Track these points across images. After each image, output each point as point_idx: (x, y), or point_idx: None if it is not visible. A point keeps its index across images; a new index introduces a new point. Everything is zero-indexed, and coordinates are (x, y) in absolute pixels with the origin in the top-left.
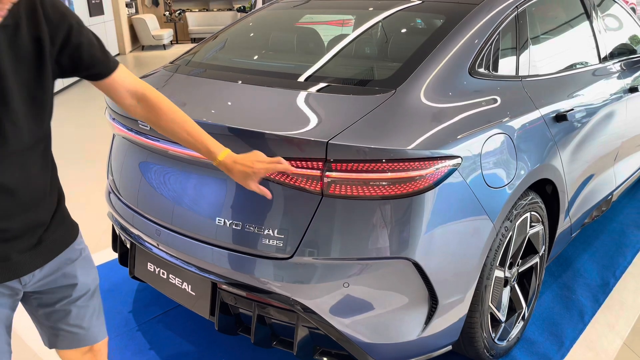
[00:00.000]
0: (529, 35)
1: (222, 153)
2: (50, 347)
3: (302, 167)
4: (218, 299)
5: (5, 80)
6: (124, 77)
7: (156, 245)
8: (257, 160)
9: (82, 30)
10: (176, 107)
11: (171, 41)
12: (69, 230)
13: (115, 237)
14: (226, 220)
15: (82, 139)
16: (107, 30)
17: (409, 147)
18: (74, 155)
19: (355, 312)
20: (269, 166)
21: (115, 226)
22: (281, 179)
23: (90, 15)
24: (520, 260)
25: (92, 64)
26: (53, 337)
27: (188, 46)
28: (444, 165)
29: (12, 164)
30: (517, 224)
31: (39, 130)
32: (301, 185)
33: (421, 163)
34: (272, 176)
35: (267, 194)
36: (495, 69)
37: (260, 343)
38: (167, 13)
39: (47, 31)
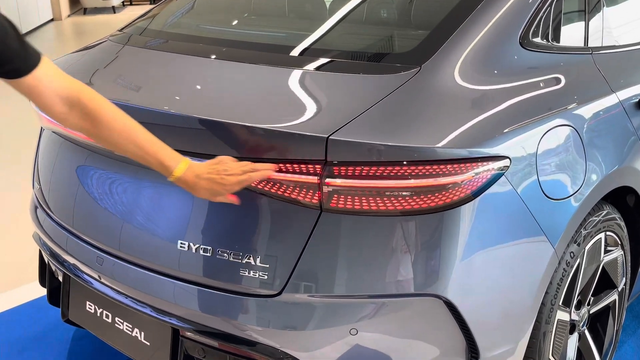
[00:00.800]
0: None
1: (180, 166)
2: None
3: (294, 172)
4: (181, 350)
5: None
6: (50, 75)
7: (98, 278)
8: (225, 172)
9: None
10: (121, 113)
11: (123, 2)
12: None
13: (43, 266)
14: (192, 244)
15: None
16: None
17: (439, 145)
18: None
19: None
20: (243, 178)
21: (43, 252)
22: (266, 189)
23: None
24: (592, 298)
25: (7, 59)
26: None
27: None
28: (487, 169)
29: None
30: (587, 248)
31: None
32: (293, 196)
33: (455, 166)
34: (252, 184)
35: (235, 199)
36: (557, 38)
37: None
38: None
39: None
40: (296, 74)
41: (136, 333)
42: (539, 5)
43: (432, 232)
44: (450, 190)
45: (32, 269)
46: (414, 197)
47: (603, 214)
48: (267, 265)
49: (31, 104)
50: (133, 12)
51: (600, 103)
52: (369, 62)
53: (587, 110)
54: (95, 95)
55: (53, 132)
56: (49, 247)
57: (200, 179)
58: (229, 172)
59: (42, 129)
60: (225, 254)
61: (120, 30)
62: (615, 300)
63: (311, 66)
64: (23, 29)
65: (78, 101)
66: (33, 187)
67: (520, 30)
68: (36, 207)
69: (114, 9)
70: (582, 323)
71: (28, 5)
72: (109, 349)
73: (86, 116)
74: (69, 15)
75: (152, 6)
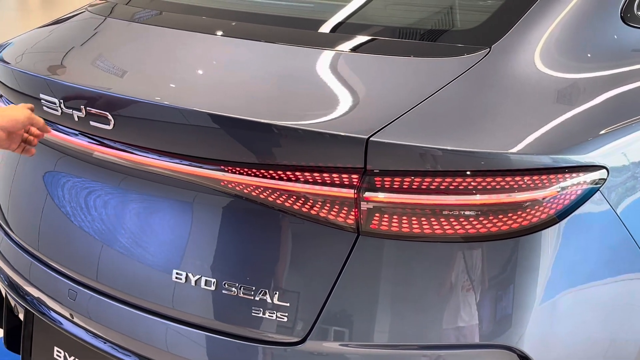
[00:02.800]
0: None
1: None
2: None
3: (324, 184)
4: None
5: None
6: None
7: (70, 316)
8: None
9: None
10: None
11: None
12: None
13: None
14: (190, 275)
15: None
16: None
17: (514, 150)
18: None
19: None
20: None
21: (0, 283)
22: (288, 205)
23: None
24: None
25: None
26: None
27: None
28: (577, 183)
29: None
30: None
31: None
32: (322, 215)
33: (535, 178)
34: (270, 199)
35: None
36: None
37: None
38: None
39: None
40: (327, 56)
41: None
42: None
43: (504, 264)
44: (528, 210)
45: None
46: (481, 218)
47: None
48: (288, 304)
49: None
50: None
51: None
52: (422, 41)
53: None
54: None
55: None
56: (7, 276)
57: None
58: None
59: None
60: (234, 289)
61: None
62: None
63: (346, 46)
64: None
65: None
66: None
67: (622, 1)
68: None
69: None
70: None
71: None
72: None
73: None
74: None
75: None
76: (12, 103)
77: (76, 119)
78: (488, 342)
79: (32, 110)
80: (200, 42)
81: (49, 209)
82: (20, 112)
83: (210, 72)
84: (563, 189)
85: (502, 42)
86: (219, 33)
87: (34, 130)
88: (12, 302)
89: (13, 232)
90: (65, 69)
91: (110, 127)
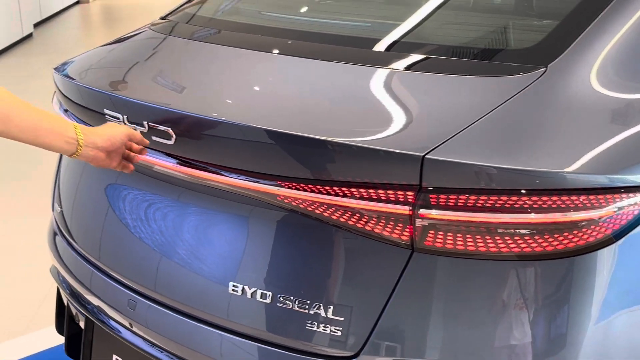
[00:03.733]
0: None
1: (77, 129)
2: None
3: (379, 200)
4: None
5: None
6: None
7: (129, 325)
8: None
9: None
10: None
11: None
12: None
13: (61, 308)
14: (247, 288)
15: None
16: None
17: (570, 169)
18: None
19: None
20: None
21: (62, 290)
22: (343, 221)
23: None
24: None
25: None
26: None
27: None
28: (633, 203)
29: None
30: None
31: None
32: (376, 231)
33: (592, 198)
34: (326, 214)
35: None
36: None
37: None
38: None
39: None
40: (382, 74)
41: None
42: None
43: (559, 283)
44: (584, 229)
45: (47, 310)
46: (536, 237)
47: None
48: (342, 319)
49: (54, 109)
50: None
51: None
52: (477, 60)
53: None
54: None
55: None
56: (69, 285)
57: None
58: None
59: None
60: (289, 302)
61: (164, 17)
62: None
63: (401, 64)
64: (42, 13)
65: None
66: (52, 210)
67: None
68: (55, 234)
69: None
70: None
71: None
72: None
73: None
74: None
75: None
76: (77, 117)
77: (139, 133)
78: None
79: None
80: (258, 60)
81: (110, 221)
82: (117, 130)
83: (267, 89)
84: (619, 208)
85: (558, 62)
86: (276, 51)
87: (134, 146)
88: (74, 310)
89: (75, 243)
90: (129, 85)
91: (171, 142)
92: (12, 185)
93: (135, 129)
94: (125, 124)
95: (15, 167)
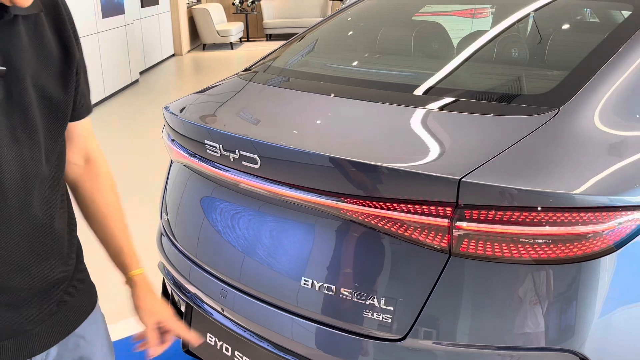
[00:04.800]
0: None
1: (140, 270)
2: None
3: (423, 214)
4: None
5: (27, 83)
6: (88, 129)
7: (220, 310)
8: (170, 312)
9: (81, 51)
10: (117, 194)
11: (240, 38)
12: (89, 294)
13: (166, 295)
14: (315, 282)
15: (128, 165)
16: (161, 24)
17: (578, 191)
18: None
19: None
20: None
21: (167, 281)
22: (394, 229)
23: (142, 6)
24: None
25: (81, 96)
26: None
27: (262, 45)
28: (631, 219)
29: (34, 196)
30: None
31: (63, 154)
32: (421, 239)
33: (596, 214)
34: (379, 224)
35: (156, 341)
36: None
37: None
38: (236, 1)
39: (70, 28)
40: (421, 113)
41: None
42: None
43: (569, 284)
44: (589, 240)
45: None
46: (550, 246)
47: None
48: (392, 308)
49: (163, 139)
50: (249, 48)
51: None
52: (501, 102)
53: None
54: (106, 165)
55: (183, 165)
56: (172, 277)
57: (149, 291)
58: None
59: (171, 162)
60: (349, 294)
61: (248, 69)
62: None
63: (437, 105)
64: (146, 63)
65: (95, 162)
66: (160, 217)
67: None
68: (162, 236)
69: (231, 45)
70: None
71: (152, 41)
72: None
73: (94, 177)
74: (189, 51)
75: (271, 44)
76: (182, 146)
77: (232, 159)
78: (554, 347)
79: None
80: (320, 101)
81: (205, 226)
82: (148, 316)
83: (330, 124)
84: (619, 223)
85: (568, 105)
86: (334, 94)
87: (164, 327)
88: (176, 297)
89: (178, 243)
90: (223, 120)
91: (257, 166)
92: (128, 200)
93: (228, 156)
94: (221, 152)
95: (129, 186)
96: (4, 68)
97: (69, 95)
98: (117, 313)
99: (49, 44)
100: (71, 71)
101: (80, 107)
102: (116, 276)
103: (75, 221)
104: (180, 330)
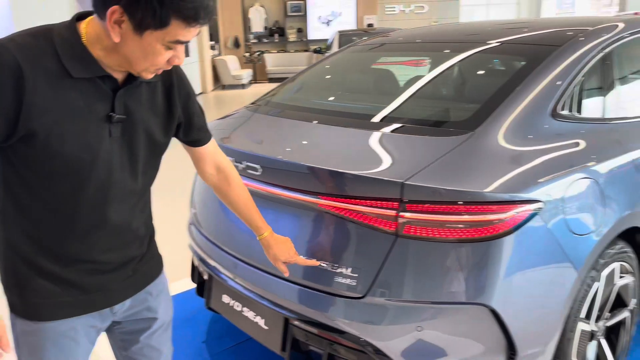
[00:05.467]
0: (615, 76)
1: (267, 231)
2: None
3: (377, 207)
4: (290, 334)
5: (139, 128)
6: (214, 148)
7: (232, 278)
8: (292, 247)
9: (195, 101)
10: (244, 186)
11: (250, 81)
12: (157, 265)
13: (194, 268)
14: (301, 256)
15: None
16: (192, 70)
17: (487, 190)
18: (160, 187)
19: (428, 358)
20: (295, 258)
21: (194, 257)
22: (356, 218)
23: None
24: (609, 314)
25: (199, 130)
26: None
27: (266, 85)
28: (524, 210)
29: (126, 205)
30: (604, 274)
31: (153, 177)
32: (375, 224)
33: (500, 207)
34: (347, 215)
35: (285, 270)
36: (580, 111)
37: None
38: (247, 54)
39: (176, 95)
40: (377, 134)
41: (258, 320)
42: (565, 86)
43: (481, 256)
44: (496, 225)
45: (186, 268)
46: (468, 229)
47: (618, 248)
48: (355, 275)
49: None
50: (256, 88)
51: (615, 161)
52: (433, 127)
53: (604, 167)
54: (234, 170)
55: None
56: (198, 254)
57: (277, 242)
58: (291, 250)
59: None
60: (325, 265)
61: (253, 103)
62: (627, 316)
63: (389, 129)
64: None
65: (224, 170)
66: (190, 210)
67: (551, 105)
68: (191, 224)
69: (243, 86)
70: (599, 333)
71: None
72: (237, 330)
73: (224, 181)
74: (212, 90)
75: (271, 84)
76: None
77: (240, 168)
78: (472, 301)
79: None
80: (306, 127)
81: (222, 217)
82: (275, 259)
83: (313, 143)
84: (517, 213)
85: (480, 128)
86: (314, 122)
87: (288, 262)
88: (201, 269)
89: (201, 228)
90: (234, 140)
91: (259, 173)
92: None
93: (238, 166)
94: (234, 163)
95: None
96: (125, 116)
97: (168, 139)
98: (174, 274)
99: (159, 103)
100: (172, 124)
101: (205, 134)
102: (170, 253)
103: (151, 216)
104: (300, 261)
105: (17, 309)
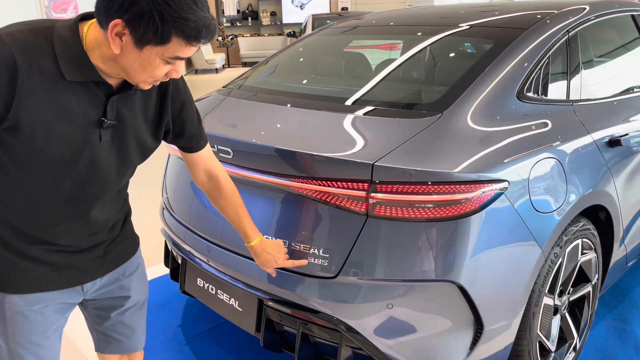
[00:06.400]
0: (580, 59)
1: (256, 239)
2: (97, 351)
3: (348, 188)
4: (264, 315)
5: (130, 133)
6: (207, 155)
7: (206, 261)
8: (281, 254)
9: (190, 110)
10: (236, 193)
11: (223, 65)
12: (131, 245)
13: (167, 253)
14: (273, 238)
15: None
16: None
17: (455, 170)
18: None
19: (399, 334)
20: (285, 263)
21: (167, 242)
22: (328, 200)
23: None
24: (572, 289)
25: (189, 139)
26: (101, 342)
27: (239, 70)
28: (491, 189)
29: (104, 202)
30: (567, 250)
31: (131, 173)
32: (347, 206)
33: (467, 186)
34: (318, 196)
35: (273, 273)
36: (545, 93)
37: None
38: (220, 38)
39: (169, 103)
40: (349, 117)
41: (232, 302)
42: (531, 69)
43: (449, 235)
44: (463, 204)
45: (159, 254)
46: (436, 208)
47: (580, 225)
48: (327, 256)
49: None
50: (230, 73)
51: (578, 141)
52: (403, 109)
53: (568, 147)
54: (227, 177)
55: (177, 157)
56: (172, 239)
57: (264, 252)
58: (279, 255)
59: (169, 155)
60: (297, 246)
61: (224, 86)
62: (589, 291)
63: (360, 112)
64: None
65: (216, 177)
66: (162, 196)
67: (517, 87)
68: (163, 209)
69: (216, 70)
70: (563, 307)
71: None
72: (212, 313)
73: (215, 188)
74: (185, 74)
75: (245, 69)
76: None
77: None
78: (440, 278)
79: None
80: (277, 110)
81: (194, 201)
82: (264, 266)
83: (283, 126)
84: (483, 192)
85: (448, 110)
86: (288, 105)
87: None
88: (174, 253)
89: (174, 212)
90: (207, 123)
91: (230, 156)
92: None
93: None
94: None
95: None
96: (116, 122)
97: (158, 142)
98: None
99: (151, 110)
100: (161, 130)
101: (198, 142)
102: (142, 239)
103: (127, 199)
104: (288, 264)
105: None
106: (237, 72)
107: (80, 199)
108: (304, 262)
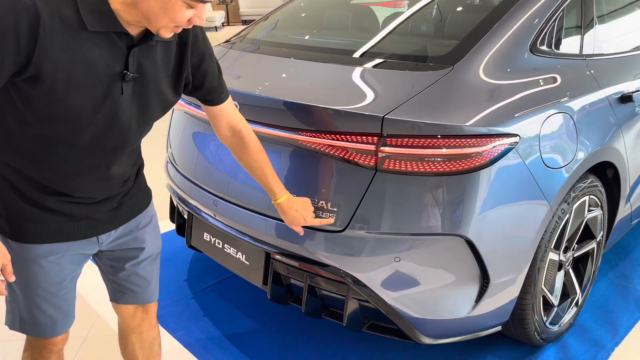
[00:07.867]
0: (594, 13)
1: (283, 197)
2: (111, 301)
3: (357, 142)
4: (271, 269)
5: (151, 87)
6: (230, 109)
7: (213, 215)
8: (309, 212)
9: (211, 61)
10: (261, 149)
11: (222, 23)
12: (144, 197)
13: (173, 208)
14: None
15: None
16: None
17: (466, 124)
18: None
19: (405, 287)
20: (312, 221)
21: (173, 197)
22: (337, 154)
23: None
24: (576, 245)
25: (210, 91)
26: (115, 292)
27: (239, 28)
28: (501, 144)
29: (121, 155)
30: (574, 207)
31: (150, 129)
32: (355, 159)
33: (477, 140)
34: (326, 150)
35: (301, 231)
36: (558, 47)
37: (311, 313)
38: None
39: (189, 54)
40: (358, 70)
41: (239, 256)
42: (544, 22)
43: (458, 189)
44: (473, 158)
45: (163, 210)
46: (446, 162)
47: (588, 182)
48: (335, 209)
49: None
50: (230, 31)
51: (590, 97)
52: (414, 62)
53: (579, 103)
54: (251, 132)
55: (182, 111)
56: (177, 194)
57: (291, 209)
58: (307, 213)
59: (172, 110)
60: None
61: (227, 41)
62: (594, 248)
63: (369, 64)
64: None
65: (239, 132)
66: (166, 150)
67: (530, 40)
68: (168, 164)
69: (216, 29)
70: (568, 263)
71: None
72: (219, 267)
73: (239, 142)
74: None
75: (245, 26)
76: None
77: None
78: (448, 232)
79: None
80: (282, 62)
81: (199, 155)
82: (291, 224)
83: (290, 78)
84: (494, 147)
85: (460, 63)
86: (293, 57)
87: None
88: (180, 208)
89: (179, 167)
90: None
91: (238, 109)
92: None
93: None
94: None
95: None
96: (137, 75)
97: (179, 96)
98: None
99: (171, 63)
100: (181, 83)
101: (219, 95)
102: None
103: (140, 153)
104: (315, 222)
105: (5, 230)
106: (236, 30)
107: (100, 152)
108: (330, 220)
